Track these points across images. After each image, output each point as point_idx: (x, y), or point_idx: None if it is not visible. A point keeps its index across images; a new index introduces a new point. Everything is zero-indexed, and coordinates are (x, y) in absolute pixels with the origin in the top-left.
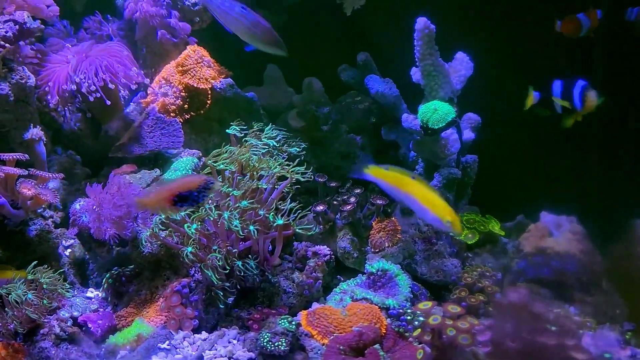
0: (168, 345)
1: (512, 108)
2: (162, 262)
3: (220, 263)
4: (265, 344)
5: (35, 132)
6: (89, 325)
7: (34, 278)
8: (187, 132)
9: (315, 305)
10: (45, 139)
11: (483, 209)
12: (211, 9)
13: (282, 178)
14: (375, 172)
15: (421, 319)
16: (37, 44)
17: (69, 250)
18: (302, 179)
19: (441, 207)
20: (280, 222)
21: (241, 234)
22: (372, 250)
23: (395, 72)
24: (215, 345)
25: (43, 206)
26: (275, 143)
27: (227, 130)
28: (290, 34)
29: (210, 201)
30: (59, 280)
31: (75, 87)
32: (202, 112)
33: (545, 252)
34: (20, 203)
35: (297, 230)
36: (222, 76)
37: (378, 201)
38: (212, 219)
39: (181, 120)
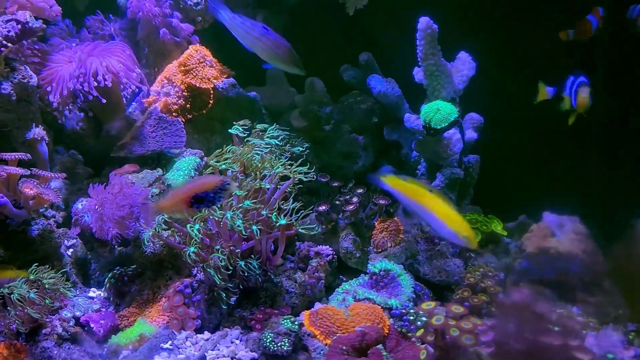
0: (170, 345)
1: (514, 108)
2: (165, 262)
3: (222, 263)
4: (268, 344)
5: (38, 131)
6: (91, 325)
7: (36, 278)
8: (189, 132)
9: (317, 306)
10: (47, 139)
11: (485, 209)
12: (231, 28)
13: (285, 178)
14: (393, 182)
15: (424, 319)
16: (40, 44)
17: (71, 250)
18: (305, 179)
19: (458, 221)
20: (283, 222)
21: (244, 234)
22: (375, 250)
23: (398, 72)
24: (218, 345)
25: (45, 206)
26: (278, 142)
27: (229, 130)
28: (292, 34)
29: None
30: (61, 279)
31: (78, 86)
32: (204, 111)
33: (547, 252)
34: (22, 203)
35: (299, 230)
36: (225, 76)
37: (380, 201)
38: (214, 219)
39: (183, 120)
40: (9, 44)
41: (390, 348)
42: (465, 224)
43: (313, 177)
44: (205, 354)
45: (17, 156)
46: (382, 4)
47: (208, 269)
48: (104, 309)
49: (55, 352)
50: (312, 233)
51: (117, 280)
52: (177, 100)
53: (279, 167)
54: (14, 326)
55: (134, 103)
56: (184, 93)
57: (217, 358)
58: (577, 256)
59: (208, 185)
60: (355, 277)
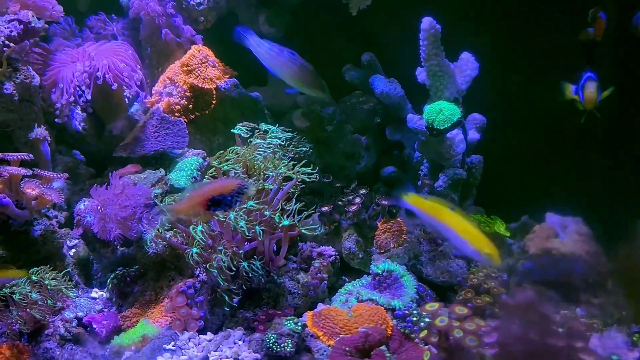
0: (173, 346)
1: (517, 108)
2: (167, 263)
3: (225, 264)
4: (271, 345)
5: (40, 131)
6: (94, 326)
7: (38, 278)
8: (191, 132)
9: (320, 306)
10: (49, 139)
11: (488, 210)
12: (258, 54)
13: (287, 178)
14: (414, 200)
15: (427, 320)
16: (42, 43)
17: (73, 250)
18: (308, 180)
19: (480, 239)
20: (286, 222)
21: (247, 234)
22: (378, 251)
23: (400, 72)
24: (221, 346)
25: (47, 206)
26: (281, 142)
27: (232, 130)
28: (294, 34)
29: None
30: (64, 280)
31: (81, 86)
32: (206, 112)
33: (550, 253)
34: (24, 203)
35: (302, 230)
36: (227, 76)
37: (383, 202)
38: (218, 219)
39: (186, 120)
40: (12, 44)
41: (394, 349)
42: (486, 240)
43: (316, 178)
44: (208, 355)
45: (19, 156)
46: (384, 4)
47: (211, 270)
48: (106, 310)
49: (58, 352)
50: (315, 234)
51: (119, 280)
52: (179, 101)
53: (281, 168)
54: (16, 327)
55: (136, 103)
56: (186, 93)
57: (220, 359)
58: (580, 257)
59: (226, 188)
60: (358, 278)
